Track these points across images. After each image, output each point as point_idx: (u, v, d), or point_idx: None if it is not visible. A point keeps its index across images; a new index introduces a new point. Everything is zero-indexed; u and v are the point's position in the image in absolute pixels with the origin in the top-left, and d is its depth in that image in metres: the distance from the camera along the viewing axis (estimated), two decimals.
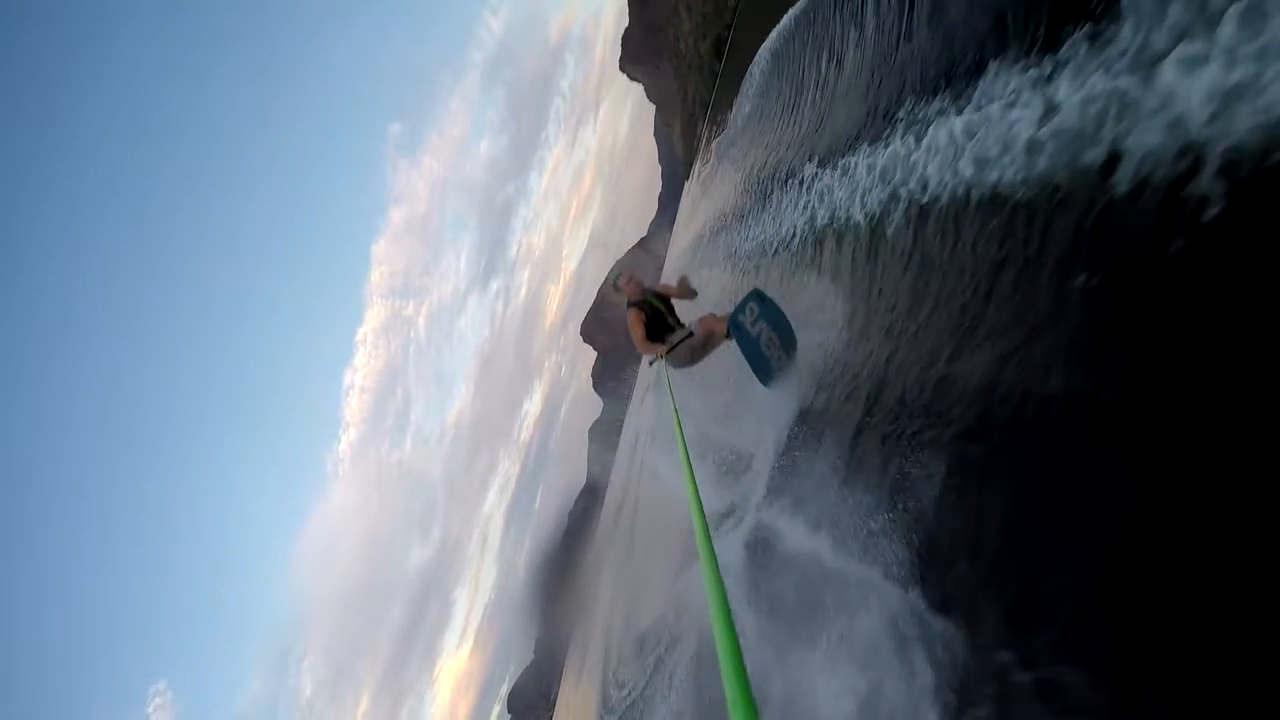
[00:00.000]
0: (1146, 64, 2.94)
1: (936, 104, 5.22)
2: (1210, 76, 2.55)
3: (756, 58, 29.70)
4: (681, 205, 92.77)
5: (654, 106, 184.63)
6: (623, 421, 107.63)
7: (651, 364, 6.59)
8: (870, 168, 6.44)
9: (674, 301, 6.79)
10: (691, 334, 6.33)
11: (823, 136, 9.59)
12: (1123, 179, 2.85)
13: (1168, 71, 2.76)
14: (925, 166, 5.06)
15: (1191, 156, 2.52)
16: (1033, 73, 3.84)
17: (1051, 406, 2.89)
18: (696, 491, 2.08)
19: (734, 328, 5.81)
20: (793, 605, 4.90)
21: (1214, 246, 2.38)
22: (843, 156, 7.72)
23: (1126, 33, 3.19)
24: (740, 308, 5.84)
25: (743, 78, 32.29)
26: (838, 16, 10.90)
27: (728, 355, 6.55)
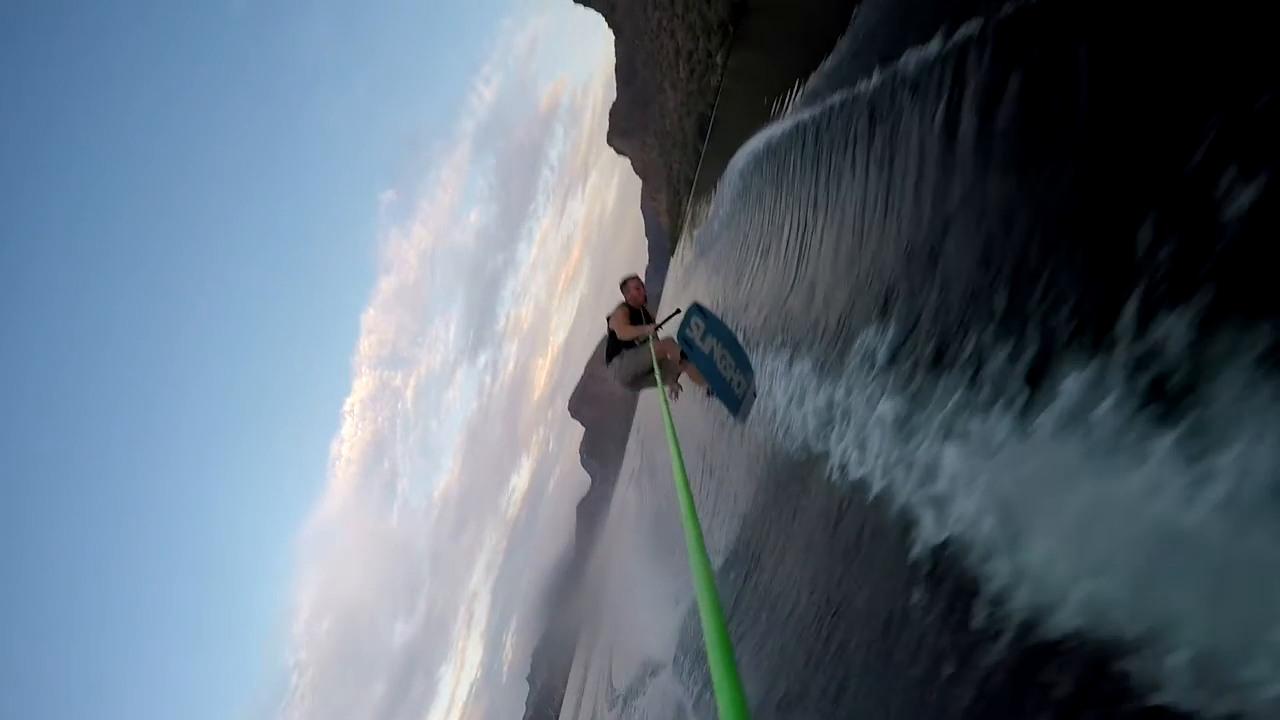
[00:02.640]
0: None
1: (784, 354, 8.00)
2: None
3: (728, 171, 31.69)
4: (666, 283, 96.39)
5: (640, 180, 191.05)
6: (610, 499, 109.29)
7: (641, 344, 6.34)
8: (760, 380, 9.14)
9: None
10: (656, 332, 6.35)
11: (745, 317, 12.39)
12: (824, 476, 5.49)
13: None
14: (771, 403, 7.79)
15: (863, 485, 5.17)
16: (825, 384, 6.58)
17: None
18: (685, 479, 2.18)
19: (683, 343, 5.73)
20: None
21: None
22: (751, 350, 10.45)
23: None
24: (685, 323, 5.77)
25: (724, 169, 33.52)
26: (771, 226, 13.45)
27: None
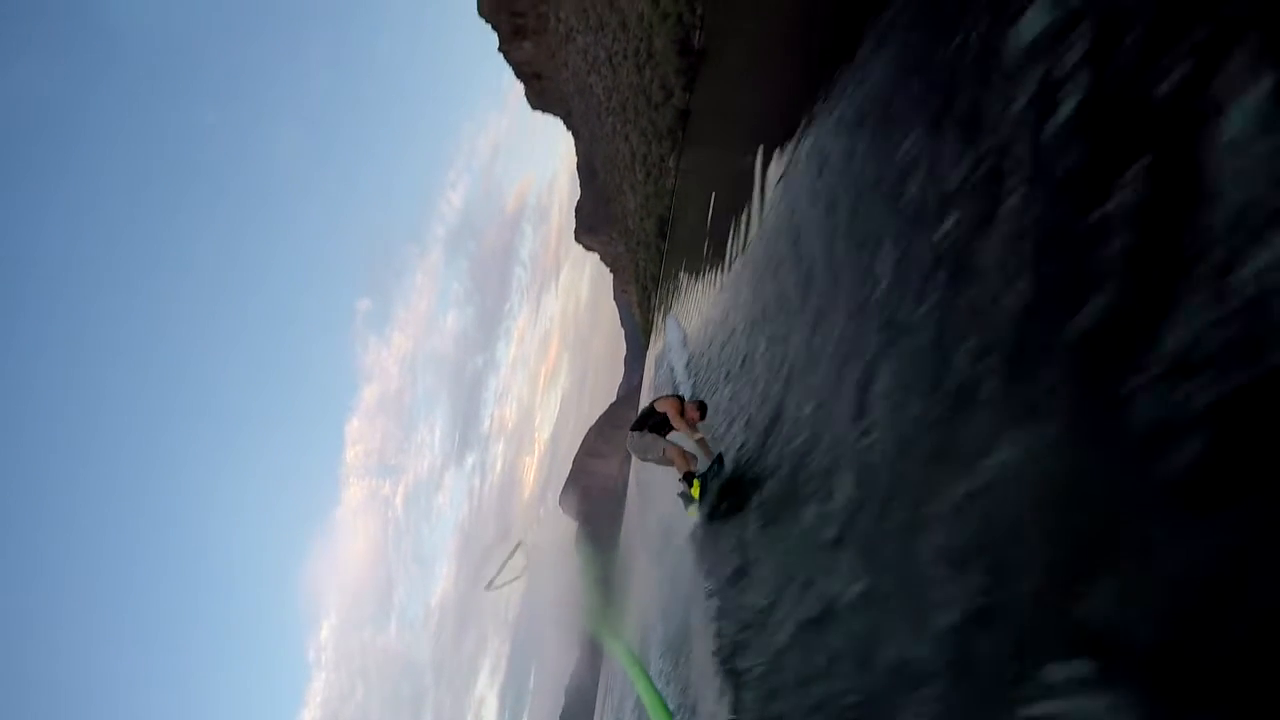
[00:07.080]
0: None
1: None
2: None
3: (668, 324, 31.68)
4: (645, 379, 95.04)
5: (611, 272, 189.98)
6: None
7: (667, 434, 7.31)
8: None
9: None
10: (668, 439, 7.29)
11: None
12: None
13: None
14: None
15: None
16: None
17: None
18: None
19: (701, 476, 6.74)
20: None
21: None
22: None
23: None
24: (708, 470, 6.78)
25: (666, 315, 33.53)
26: None
27: None
